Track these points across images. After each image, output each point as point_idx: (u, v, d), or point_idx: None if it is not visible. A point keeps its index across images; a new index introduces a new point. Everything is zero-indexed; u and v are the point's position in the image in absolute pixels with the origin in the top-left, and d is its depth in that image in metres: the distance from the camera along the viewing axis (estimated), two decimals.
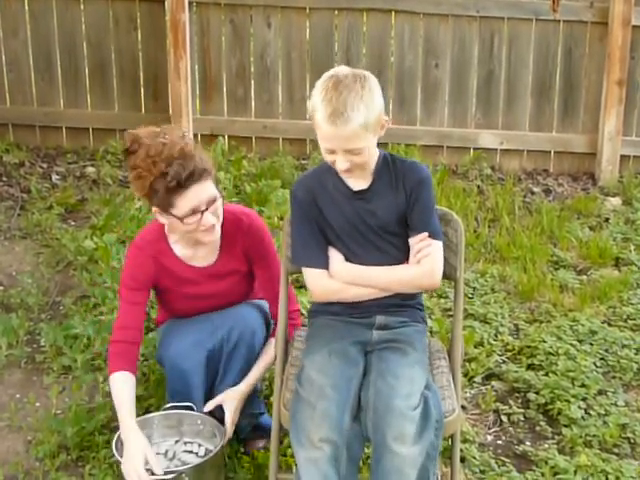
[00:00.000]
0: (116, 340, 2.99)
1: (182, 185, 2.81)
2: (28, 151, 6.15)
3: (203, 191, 2.86)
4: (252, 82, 6.31)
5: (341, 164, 2.61)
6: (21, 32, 6.18)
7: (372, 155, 2.70)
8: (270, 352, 3.05)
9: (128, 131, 2.94)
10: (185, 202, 2.84)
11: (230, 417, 2.95)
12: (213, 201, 2.89)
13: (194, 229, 2.89)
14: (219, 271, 3.08)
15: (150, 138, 2.87)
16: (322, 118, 2.56)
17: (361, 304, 2.76)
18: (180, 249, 3.06)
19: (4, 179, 5.72)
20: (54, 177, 5.80)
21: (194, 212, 2.85)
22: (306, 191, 2.77)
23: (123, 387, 2.91)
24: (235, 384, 3.01)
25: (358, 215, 2.73)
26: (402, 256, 2.75)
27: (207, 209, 2.87)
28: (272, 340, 3.05)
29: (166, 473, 2.71)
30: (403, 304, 2.79)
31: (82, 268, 4.49)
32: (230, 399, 2.98)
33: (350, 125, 2.53)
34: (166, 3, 5.96)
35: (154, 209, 2.92)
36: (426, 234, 2.72)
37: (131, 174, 2.92)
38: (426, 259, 2.71)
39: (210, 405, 2.97)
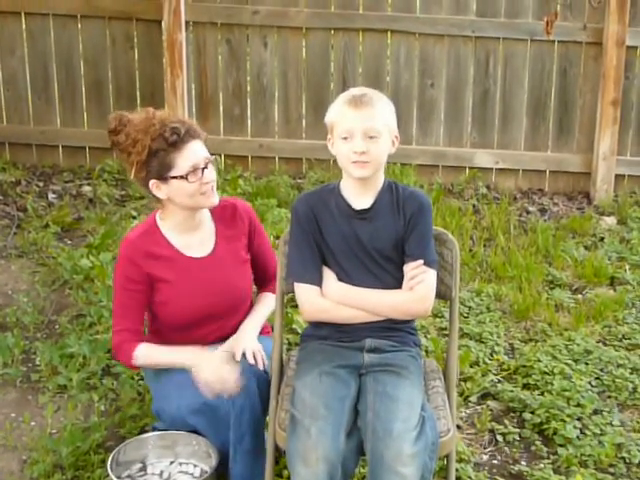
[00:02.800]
0: (118, 329, 2.99)
1: (182, 139, 2.88)
2: (24, 170, 6.16)
3: (200, 149, 2.94)
4: (248, 101, 6.34)
5: (359, 146, 2.65)
6: (18, 50, 6.20)
7: (383, 160, 2.74)
8: (268, 303, 3.12)
9: (110, 115, 3.03)
10: (185, 159, 2.89)
11: (250, 354, 2.91)
12: (209, 162, 2.95)
13: (196, 190, 2.90)
14: (217, 261, 3.05)
15: (133, 114, 3.00)
16: (343, 102, 2.70)
17: (351, 327, 2.77)
18: (174, 237, 3.03)
19: (0, 198, 5.72)
20: (50, 196, 5.80)
21: (195, 169, 2.89)
22: (307, 207, 2.80)
23: (153, 348, 2.99)
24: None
25: (356, 236, 2.75)
26: (395, 284, 2.76)
27: (206, 167, 2.92)
28: (270, 295, 3.11)
29: None
30: (394, 327, 2.80)
31: (78, 287, 4.48)
32: (241, 344, 2.96)
33: (372, 107, 2.67)
34: (163, 23, 6.00)
35: (151, 184, 2.93)
36: (421, 261, 2.74)
37: (124, 148, 2.96)
38: (419, 286, 2.73)
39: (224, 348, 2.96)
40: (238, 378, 2.80)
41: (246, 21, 6.18)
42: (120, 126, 2.97)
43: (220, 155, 6.15)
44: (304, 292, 2.77)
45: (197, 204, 2.97)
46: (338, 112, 2.72)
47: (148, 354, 2.99)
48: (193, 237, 3.06)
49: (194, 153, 2.91)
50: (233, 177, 5.95)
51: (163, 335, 3.09)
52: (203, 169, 2.91)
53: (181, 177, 2.89)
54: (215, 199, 2.99)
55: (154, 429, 3.07)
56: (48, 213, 5.49)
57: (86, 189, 5.92)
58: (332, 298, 2.75)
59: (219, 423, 2.83)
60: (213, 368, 2.84)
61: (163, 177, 2.92)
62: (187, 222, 3.03)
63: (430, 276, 2.75)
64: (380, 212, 2.77)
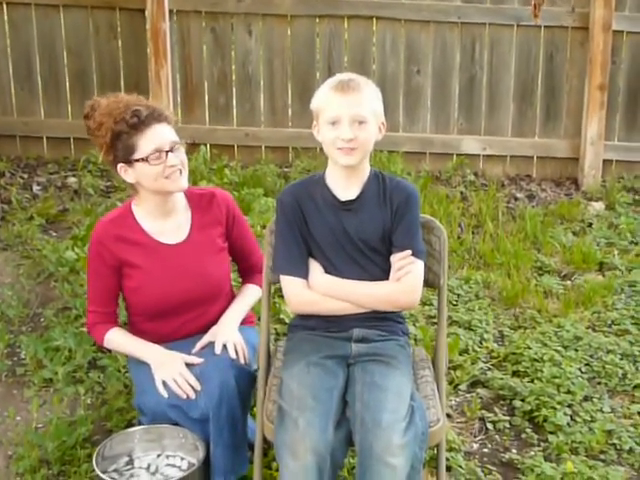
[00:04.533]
0: (92, 310, 3.04)
1: (143, 122, 2.87)
2: (8, 161, 6.11)
3: (164, 131, 2.92)
4: (234, 90, 6.30)
5: (346, 133, 2.62)
6: (0, 41, 6.13)
7: (370, 148, 2.70)
8: (250, 294, 3.15)
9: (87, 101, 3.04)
10: (147, 142, 2.88)
11: (232, 348, 2.90)
12: (176, 145, 2.92)
13: (159, 173, 2.88)
14: (191, 248, 3.03)
15: (106, 98, 2.98)
16: (329, 88, 2.67)
17: (338, 318, 2.74)
18: (148, 223, 3.02)
19: None
20: (35, 187, 5.75)
21: (158, 152, 2.87)
22: (293, 199, 2.76)
23: (123, 335, 3.04)
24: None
25: (342, 227, 2.72)
26: (383, 276, 2.73)
27: (171, 150, 2.89)
28: (253, 287, 3.15)
29: None
30: (382, 317, 2.77)
31: (63, 279, 4.44)
32: (222, 337, 2.95)
33: (359, 92, 2.64)
34: (146, 12, 5.94)
35: (119, 167, 2.93)
36: (409, 252, 2.70)
37: (92, 132, 2.96)
38: (407, 277, 2.70)
39: (198, 346, 2.96)
40: (194, 383, 2.82)
41: (231, 9, 6.13)
42: (92, 111, 2.97)
43: (206, 145, 6.12)
44: (290, 285, 2.74)
45: (162, 188, 2.94)
46: (324, 98, 2.68)
47: (117, 340, 3.05)
48: (167, 223, 3.04)
49: (157, 136, 2.89)
50: (219, 166, 5.90)
51: (139, 324, 3.09)
52: (167, 152, 2.88)
53: (143, 160, 2.88)
54: (182, 183, 2.96)
55: (140, 423, 3.04)
56: (33, 205, 5.44)
57: (71, 180, 5.88)
58: (319, 290, 2.72)
59: (196, 417, 2.82)
60: (170, 370, 2.85)
61: (128, 160, 2.91)
62: (160, 208, 3.01)
63: (418, 267, 2.72)
64: (366, 203, 2.74)
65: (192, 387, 2.82)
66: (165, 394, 2.84)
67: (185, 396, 2.81)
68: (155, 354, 2.96)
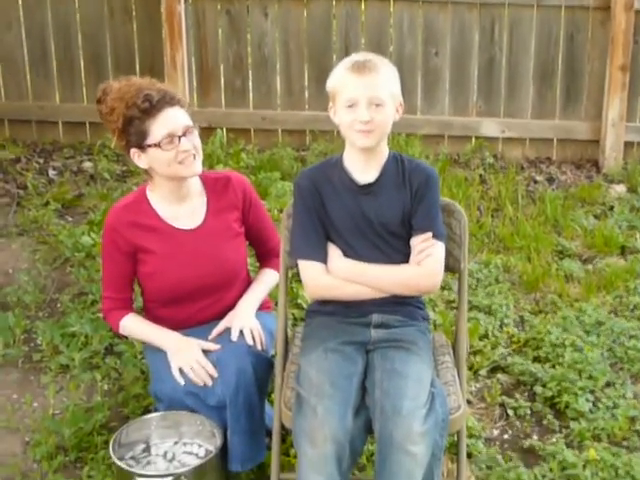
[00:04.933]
0: (107, 296, 3.03)
1: (154, 106, 2.82)
2: (24, 147, 6.09)
3: (176, 115, 2.87)
4: (250, 73, 6.25)
5: (363, 115, 2.57)
6: (15, 26, 6.11)
7: (388, 129, 2.65)
8: (268, 280, 3.12)
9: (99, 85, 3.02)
10: (160, 127, 2.83)
11: (248, 334, 2.87)
12: (189, 129, 2.88)
13: (173, 158, 2.84)
14: (206, 233, 2.99)
15: (118, 82, 2.94)
16: (345, 68, 2.61)
17: (357, 303, 2.70)
18: (163, 209, 2.98)
19: (0, 175, 5.64)
20: (51, 172, 5.73)
21: (170, 137, 2.83)
22: (310, 182, 2.72)
23: (139, 321, 3.03)
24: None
25: (361, 211, 2.67)
26: (403, 260, 2.69)
27: (184, 135, 2.85)
28: (270, 271, 3.12)
29: (165, 476, 2.65)
30: (401, 302, 2.72)
31: (79, 265, 4.42)
32: (238, 323, 2.92)
33: (376, 73, 2.58)
34: None
35: (132, 153, 2.90)
36: (429, 234, 2.66)
37: (104, 117, 2.93)
38: (427, 260, 2.65)
39: (215, 333, 2.93)
40: (211, 370, 2.80)
41: None
42: (104, 95, 2.93)
43: (222, 128, 6.07)
44: (308, 269, 2.70)
45: (176, 173, 2.90)
46: (340, 79, 2.62)
47: (133, 326, 3.03)
48: (182, 208, 3.00)
49: (170, 120, 2.84)
50: (235, 150, 5.86)
51: (155, 311, 3.06)
52: (180, 137, 2.84)
53: (156, 145, 2.84)
54: (196, 168, 2.92)
55: (156, 410, 3.01)
56: (48, 190, 5.41)
57: (87, 165, 5.85)
58: (338, 275, 2.68)
59: (213, 405, 2.80)
60: (187, 358, 2.83)
61: (141, 146, 2.87)
62: (175, 193, 2.97)
63: (438, 250, 2.67)
64: (385, 186, 2.69)
65: (209, 374, 2.79)
66: (182, 381, 2.82)
67: (202, 383, 2.78)
68: (172, 341, 2.93)
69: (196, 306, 3.01)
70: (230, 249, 3.04)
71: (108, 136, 5.91)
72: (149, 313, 3.10)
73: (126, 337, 3.57)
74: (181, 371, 2.83)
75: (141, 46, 6.15)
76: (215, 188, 3.04)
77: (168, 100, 2.86)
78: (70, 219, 5.09)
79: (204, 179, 3.04)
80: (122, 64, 6.13)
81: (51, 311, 4.12)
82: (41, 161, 5.92)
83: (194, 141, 2.90)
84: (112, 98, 2.88)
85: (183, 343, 2.90)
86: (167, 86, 2.98)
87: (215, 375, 2.79)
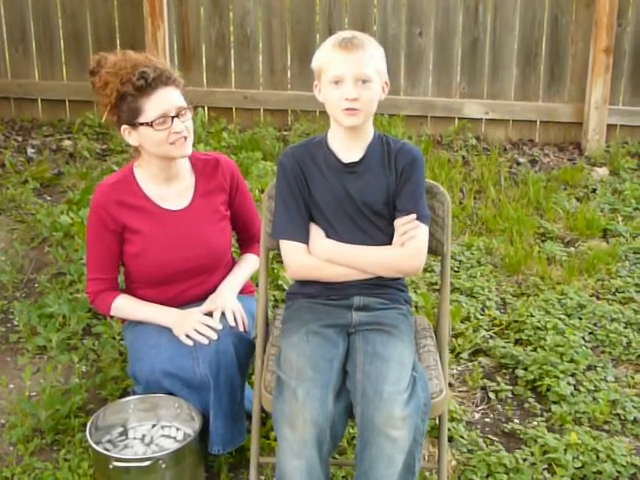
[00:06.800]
0: (93, 278, 2.95)
1: (150, 84, 2.77)
2: (2, 124, 6.04)
3: (171, 96, 2.82)
4: (232, 52, 6.19)
5: (350, 92, 2.52)
6: None
7: (374, 108, 2.61)
8: (249, 264, 3.09)
9: (93, 55, 2.95)
10: (154, 105, 2.78)
11: (230, 315, 2.85)
12: (183, 110, 2.83)
13: (164, 139, 2.80)
14: (194, 215, 2.96)
15: (114, 55, 2.88)
16: (332, 45, 2.57)
17: (339, 285, 2.66)
18: (150, 188, 2.94)
19: None
20: (29, 151, 5.66)
21: (163, 117, 2.78)
22: (294, 161, 2.67)
23: (133, 301, 2.96)
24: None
25: (345, 191, 2.63)
26: (386, 241, 2.65)
27: (177, 116, 2.81)
28: (252, 256, 3.09)
29: (143, 460, 2.61)
30: (383, 284, 2.68)
31: (58, 244, 4.37)
32: (220, 304, 2.90)
33: (363, 50, 2.55)
34: None
35: (122, 129, 2.85)
36: (414, 216, 2.62)
37: (97, 90, 2.86)
38: (410, 242, 2.62)
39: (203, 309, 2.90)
40: (215, 324, 2.79)
41: None
42: (97, 67, 2.87)
43: (203, 107, 6.02)
44: (290, 250, 2.66)
45: (166, 154, 2.85)
46: (326, 56, 2.57)
47: (127, 307, 2.96)
48: (170, 189, 2.95)
49: (164, 100, 2.79)
50: (217, 130, 5.81)
51: (138, 291, 3.01)
52: (173, 118, 2.79)
53: (148, 124, 2.79)
54: (186, 150, 2.87)
55: (134, 393, 2.97)
56: (27, 168, 5.35)
57: (66, 143, 5.79)
58: (320, 256, 2.63)
59: (193, 386, 2.76)
60: (190, 322, 2.80)
61: (132, 123, 2.82)
62: (163, 173, 2.92)
63: (422, 231, 2.64)
64: (370, 166, 2.65)
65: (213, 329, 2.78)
66: (190, 343, 2.77)
67: (215, 337, 2.75)
68: (171, 315, 2.89)
69: (180, 287, 2.97)
70: (216, 232, 3.00)
71: (88, 114, 5.88)
72: (131, 294, 3.03)
73: (105, 317, 3.53)
74: (189, 337, 2.79)
75: (122, 23, 6.08)
76: (204, 170, 2.99)
77: (164, 80, 2.80)
78: (49, 198, 5.03)
79: (193, 160, 3.00)
80: (103, 42, 6.06)
81: (28, 291, 4.07)
82: (20, 139, 5.86)
83: (186, 123, 2.85)
84: (107, 72, 2.82)
85: (183, 313, 2.87)
86: (164, 64, 2.90)
87: (219, 327, 2.77)
